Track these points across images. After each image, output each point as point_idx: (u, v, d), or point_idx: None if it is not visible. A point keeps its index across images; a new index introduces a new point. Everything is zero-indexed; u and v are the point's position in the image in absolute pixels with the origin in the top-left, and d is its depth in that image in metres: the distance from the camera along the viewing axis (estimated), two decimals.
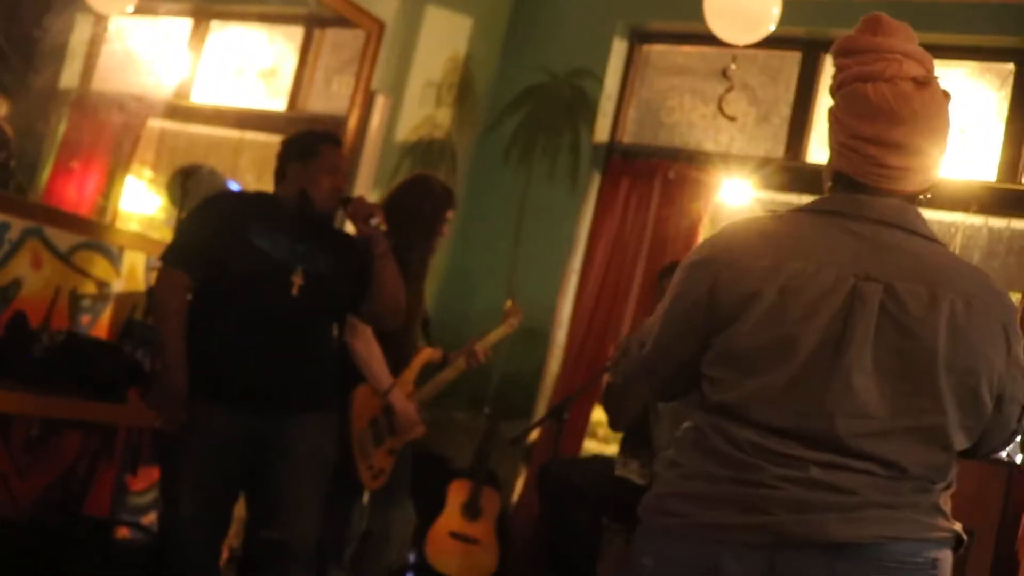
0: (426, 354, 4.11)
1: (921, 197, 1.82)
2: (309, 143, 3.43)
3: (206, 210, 3.43)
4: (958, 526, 1.75)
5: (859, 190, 1.79)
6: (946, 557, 1.72)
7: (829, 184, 1.86)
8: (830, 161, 1.86)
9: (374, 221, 3.38)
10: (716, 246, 1.84)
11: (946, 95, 1.81)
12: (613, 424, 4.40)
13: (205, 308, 3.25)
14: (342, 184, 3.46)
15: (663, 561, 1.77)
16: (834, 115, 1.83)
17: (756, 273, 1.74)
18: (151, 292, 3.96)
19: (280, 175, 3.45)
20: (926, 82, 1.77)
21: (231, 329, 3.22)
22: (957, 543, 1.74)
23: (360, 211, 3.39)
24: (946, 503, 1.74)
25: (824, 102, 5.36)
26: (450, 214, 4.06)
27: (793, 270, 1.72)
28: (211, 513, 3.22)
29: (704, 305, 1.79)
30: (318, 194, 3.34)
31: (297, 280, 3.25)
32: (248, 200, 3.59)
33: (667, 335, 1.88)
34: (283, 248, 3.28)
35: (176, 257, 3.29)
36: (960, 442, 1.73)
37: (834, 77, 1.85)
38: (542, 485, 4.20)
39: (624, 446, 4.37)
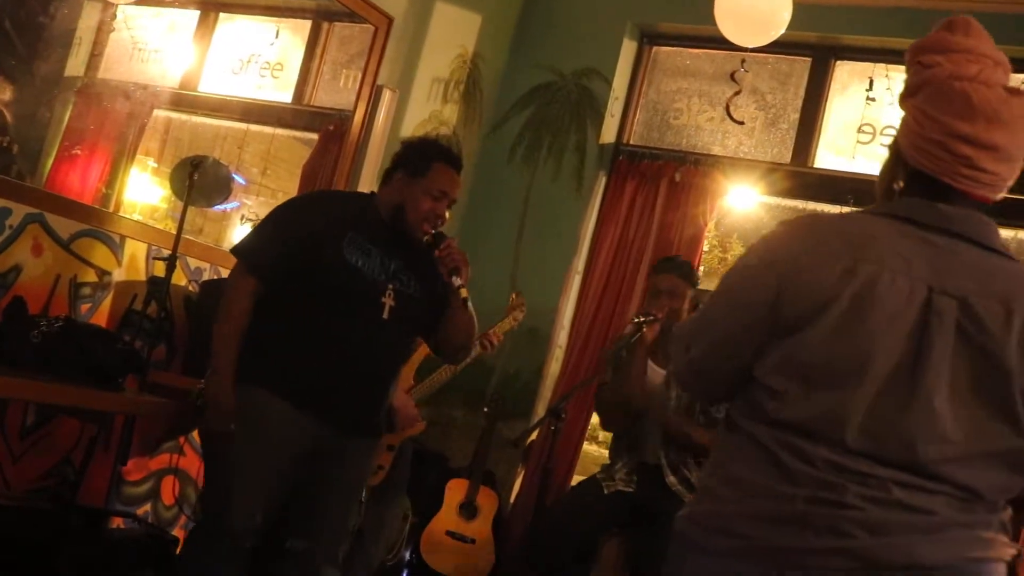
0: (425, 349, 4.10)
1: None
2: (422, 156, 3.22)
3: (296, 212, 3.25)
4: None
5: (939, 192, 1.70)
6: (1004, 573, 1.66)
7: (900, 184, 1.76)
8: (903, 159, 1.76)
9: (457, 282, 3.14)
10: (781, 246, 1.72)
11: None
12: (605, 424, 4.38)
13: (293, 315, 3.10)
14: (443, 212, 3.22)
15: None
16: (919, 111, 1.73)
17: (830, 278, 1.63)
18: (150, 281, 3.95)
19: (386, 177, 3.27)
20: (1019, 92, 1.71)
21: (319, 346, 3.08)
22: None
23: (446, 261, 3.16)
24: (1008, 520, 1.69)
25: (833, 109, 5.34)
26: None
27: (868, 277, 1.62)
28: (259, 514, 3.04)
29: (767, 308, 1.68)
30: (413, 216, 3.17)
31: (388, 302, 3.11)
32: (343, 203, 3.35)
33: (723, 338, 1.77)
34: (375, 265, 3.13)
35: (254, 261, 3.14)
36: None
37: (915, 74, 1.77)
38: (535, 548, 4.14)
39: (610, 451, 4.34)
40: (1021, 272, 1.69)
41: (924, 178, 1.72)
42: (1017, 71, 5.27)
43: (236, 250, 3.22)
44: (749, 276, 1.75)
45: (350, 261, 3.09)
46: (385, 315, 3.11)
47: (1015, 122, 1.69)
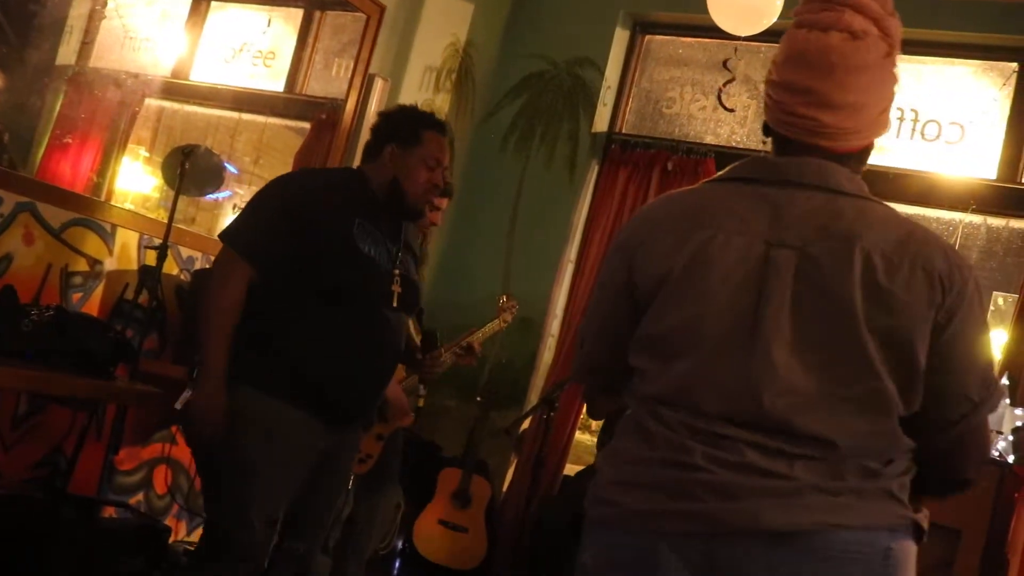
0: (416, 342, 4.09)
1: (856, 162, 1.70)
2: (412, 126, 3.04)
3: (289, 192, 2.96)
4: (921, 515, 1.60)
5: (784, 145, 1.69)
6: (903, 547, 1.56)
7: (765, 140, 1.77)
8: None
9: (423, 391, 3.36)
10: (630, 228, 1.76)
11: (887, 54, 1.66)
12: (594, 414, 4.37)
13: (305, 312, 2.84)
14: (440, 181, 3.06)
15: (600, 555, 1.65)
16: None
17: (665, 250, 1.65)
18: (142, 270, 3.94)
19: (373, 153, 3.07)
20: (862, 36, 1.63)
21: (337, 347, 2.85)
22: (917, 533, 1.59)
23: (430, 370, 3.38)
24: (902, 488, 1.59)
25: None
26: (442, 202, 3.96)
27: (698, 243, 1.63)
28: (276, 528, 2.91)
29: (625, 290, 1.72)
30: (412, 188, 3.00)
31: (396, 289, 2.96)
32: (340, 185, 3.03)
33: (601, 326, 1.80)
34: (384, 252, 2.96)
35: (246, 245, 2.84)
36: (899, 407, 1.57)
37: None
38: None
39: (603, 438, 4.34)
40: (868, 208, 1.64)
41: (770, 128, 1.73)
42: (1009, 59, 5.32)
43: (225, 234, 2.90)
44: (609, 261, 1.79)
45: (365, 251, 2.90)
46: (395, 303, 2.97)
47: (834, 69, 1.62)
